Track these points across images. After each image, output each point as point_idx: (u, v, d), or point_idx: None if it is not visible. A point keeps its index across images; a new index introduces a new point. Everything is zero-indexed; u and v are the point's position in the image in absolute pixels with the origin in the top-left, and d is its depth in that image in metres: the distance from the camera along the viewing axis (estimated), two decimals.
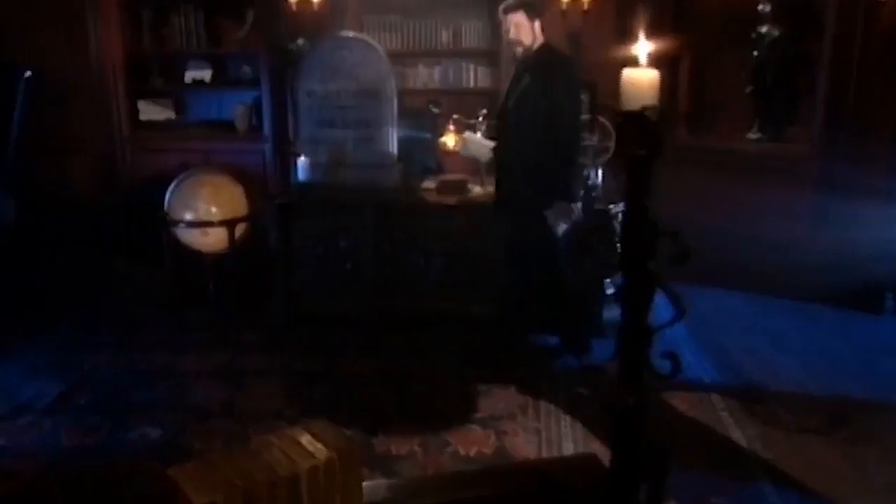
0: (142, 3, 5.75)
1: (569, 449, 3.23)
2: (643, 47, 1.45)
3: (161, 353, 4.18)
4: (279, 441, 1.27)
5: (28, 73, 4.86)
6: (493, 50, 5.90)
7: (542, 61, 3.77)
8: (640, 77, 1.41)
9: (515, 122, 3.84)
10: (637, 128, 1.35)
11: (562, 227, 3.78)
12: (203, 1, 5.75)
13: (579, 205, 3.97)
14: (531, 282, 4.02)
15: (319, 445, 1.27)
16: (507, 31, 3.78)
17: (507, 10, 3.76)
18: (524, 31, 3.72)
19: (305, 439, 1.27)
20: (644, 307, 1.47)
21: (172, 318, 4.69)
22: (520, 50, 3.79)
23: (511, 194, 3.93)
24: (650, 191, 1.37)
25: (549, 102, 3.67)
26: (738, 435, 3.32)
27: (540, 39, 3.79)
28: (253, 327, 4.54)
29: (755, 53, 5.08)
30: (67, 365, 4.04)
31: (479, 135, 4.14)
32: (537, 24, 3.75)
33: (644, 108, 1.37)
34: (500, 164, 4.04)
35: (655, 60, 1.45)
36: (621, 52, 1.55)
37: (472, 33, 5.99)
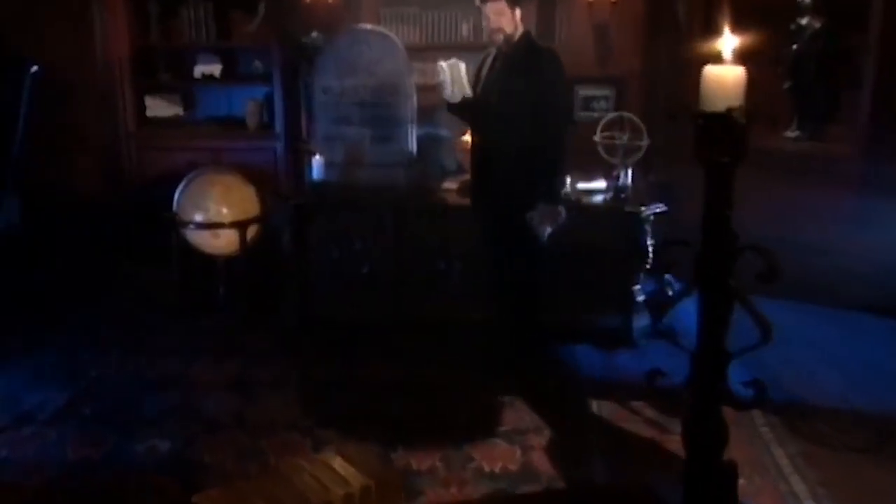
0: None
1: (599, 467, 3.19)
2: (728, 42, 1.37)
3: (170, 361, 4.16)
4: (310, 466, 1.22)
5: (35, 68, 4.85)
6: None
7: (526, 54, 3.76)
8: (725, 75, 1.34)
9: (497, 116, 3.82)
10: (721, 131, 1.27)
11: (547, 231, 3.74)
12: None
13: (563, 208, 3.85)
14: (514, 284, 4.00)
15: (354, 471, 1.22)
16: (487, 19, 3.74)
17: None
18: (506, 19, 3.70)
19: (338, 464, 1.23)
20: (723, 328, 1.41)
21: (181, 323, 4.68)
22: (500, 38, 3.75)
23: (494, 192, 3.90)
24: (732, 201, 1.30)
25: (535, 99, 3.68)
26: (779, 453, 3.25)
27: (521, 29, 3.79)
28: (265, 333, 4.52)
29: (794, 47, 5.00)
30: (72, 372, 4.02)
31: (463, 70, 3.93)
32: (518, 12, 3.74)
33: (730, 110, 1.29)
34: (479, 161, 3.99)
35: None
36: (702, 47, 1.48)
37: None
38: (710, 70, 1.34)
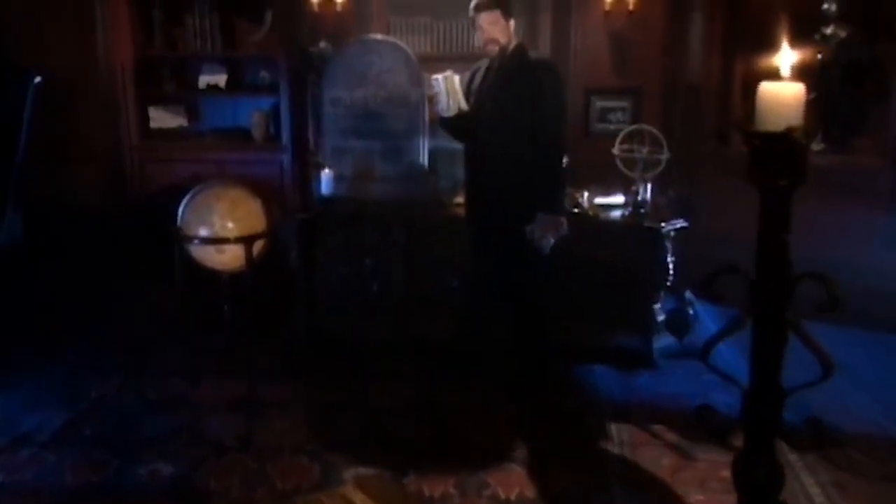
0: (153, 3, 5.77)
1: (619, 494, 3.14)
2: (786, 57, 1.34)
3: (173, 381, 4.13)
4: (329, 500, 1.20)
5: (38, 79, 4.86)
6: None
7: (521, 66, 3.79)
8: (783, 92, 1.30)
9: (492, 129, 3.82)
10: (779, 153, 1.24)
11: (548, 242, 3.73)
12: (219, 1, 5.75)
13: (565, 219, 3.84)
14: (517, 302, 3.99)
15: None
16: (480, 30, 3.76)
17: (482, 8, 3.74)
18: (500, 29, 3.73)
19: (359, 499, 1.20)
20: (779, 363, 1.37)
21: (185, 341, 4.65)
22: (495, 49, 3.77)
23: (490, 208, 3.90)
24: (789, 226, 1.27)
25: (534, 111, 3.71)
26: (810, 482, 3.18)
27: (514, 40, 3.82)
28: (272, 353, 4.49)
29: (819, 57, 4.98)
30: (72, 392, 4.00)
31: (458, 83, 3.90)
32: (511, 23, 3.78)
33: (789, 130, 1.25)
34: (474, 176, 4.00)
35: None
36: (760, 63, 1.45)
37: None
38: (767, 87, 1.30)
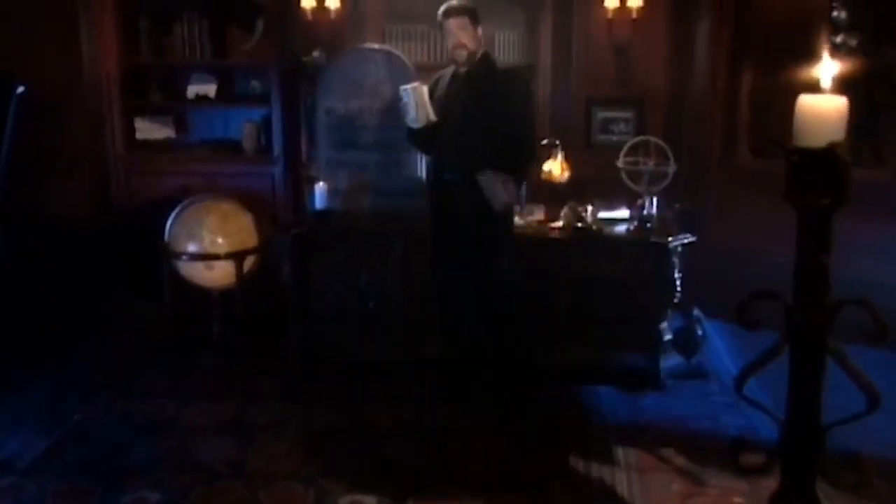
0: (140, 10, 5.76)
1: None
2: (827, 68, 1.30)
3: (161, 403, 4.10)
4: None
5: (21, 89, 4.84)
6: (529, 63, 5.86)
7: (490, 73, 3.97)
8: (824, 106, 1.25)
9: (462, 133, 3.92)
10: (820, 170, 1.19)
11: (499, 197, 3.83)
12: (208, 8, 5.75)
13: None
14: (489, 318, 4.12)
15: None
16: (450, 34, 3.91)
17: (451, 14, 3.91)
18: (468, 35, 3.89)
19: None
20: (818, 396, 1.33)
21: (174, 362, 4.64)
22: (464, 54, 3.91)
23: (455, 220, 4.01)
24: (830, 249, 1.24)
25: (504, 119, 3.85)
26: None
27: (482, 48, 3.99)
28: (264, 373, 4.48)
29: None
30: (55, 415, 3.96)
31: (426, 93, 3.96)
32: (479, 30, 3.95)
33: (832, 145, 1.21)
34: (442, 184, 4.07)
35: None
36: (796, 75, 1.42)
37: (506, 44, 5.98)
38: (807, 100, 1.26)
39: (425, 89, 3.93)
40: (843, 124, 1.25)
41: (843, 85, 4.50)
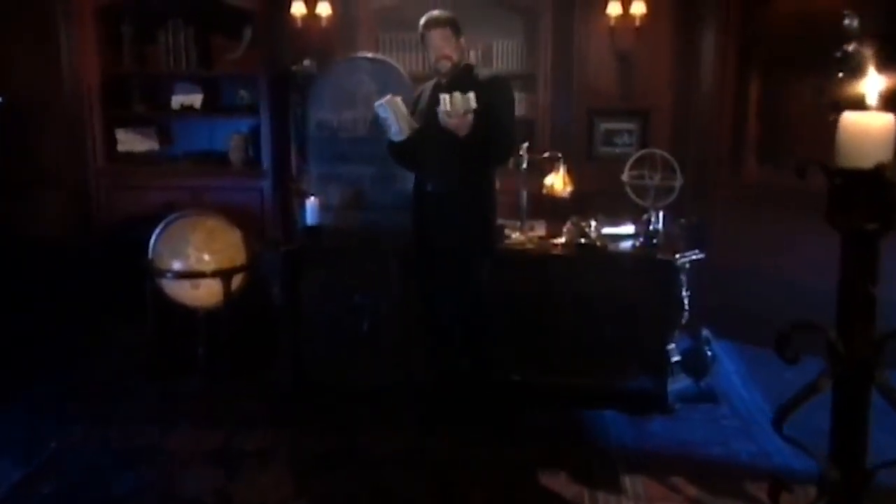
0: (123, 17, 5.77)
1: None
2: (873, 83, 1.26)
3: (144, 430, 4.09)
4: None
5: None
6: (529, 73, 5.87)
7: (473, 83, 3.96)
8: (870, 124, 1.22)
9: (443, 148, 3.93)
10: (866, 192, 1.16)
11: (444, 113, 3.78)
12: (194, 15, 5.76)
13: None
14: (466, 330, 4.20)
15: None
16: (432, 46, 4.02)
17: (434, 26, 4.00)
18: (451, 46, 4.00)
19: None
20: (864, 436, 1.28)
21: (156, 386, 4.62)
22: (448, 65, 4.00)
23: (438, 230, 4.07)
24: (877, 277, 1.20)
25: (486, 124, 3.85)
26: None
27: (464, 58, 4.13)
28: (252, 398, 4.46)
29: (840, 76, 4.97)
30: (31, 443, 3.93)
31: (402, 104, 4.02)
32: (462, 41, 4.06)
33: (880, 167, 1.18)
34: (422, 197, 4.14)
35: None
36: (835, 93, 1.38)
37: (505, 54, 5.98)
38: (851, 117, 1.23)
39: (399, 100, 4.00)
40: (891, 144, 1.21)
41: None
